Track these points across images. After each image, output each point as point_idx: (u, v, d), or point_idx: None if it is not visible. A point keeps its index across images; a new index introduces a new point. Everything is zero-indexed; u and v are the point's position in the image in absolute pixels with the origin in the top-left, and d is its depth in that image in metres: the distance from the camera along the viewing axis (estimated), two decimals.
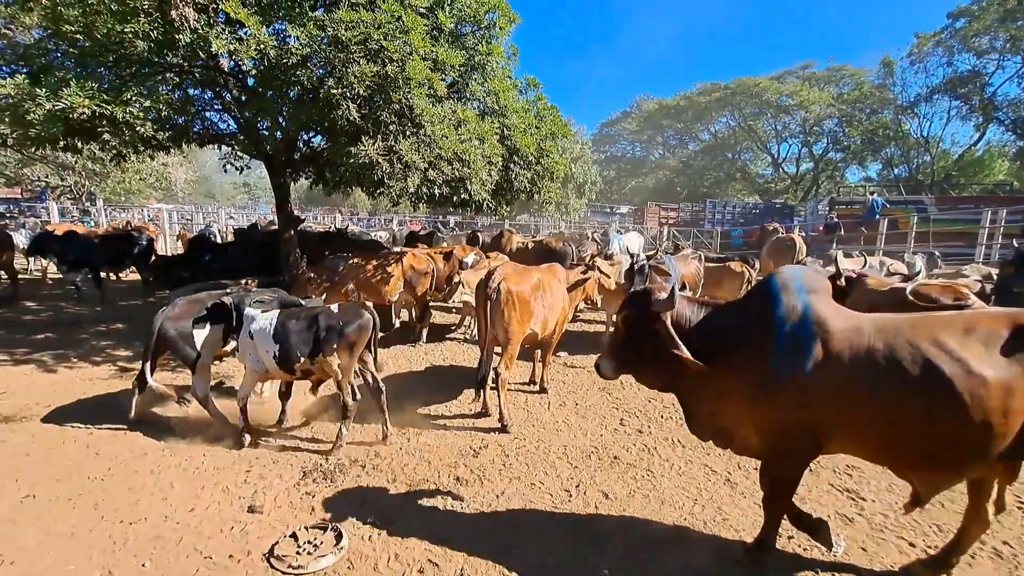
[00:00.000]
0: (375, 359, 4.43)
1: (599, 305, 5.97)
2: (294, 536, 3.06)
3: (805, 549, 2.92)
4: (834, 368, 2.38)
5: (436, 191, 6.41)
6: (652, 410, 5.04)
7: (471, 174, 6.27)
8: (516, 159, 7.37)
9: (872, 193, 18.93)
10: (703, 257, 8.70)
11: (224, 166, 8.54)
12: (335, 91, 5.54)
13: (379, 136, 5.86)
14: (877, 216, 15.00)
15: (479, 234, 11.69)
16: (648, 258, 6.42)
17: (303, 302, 4.63)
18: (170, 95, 6.37)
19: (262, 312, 4.25)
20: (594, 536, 3.07)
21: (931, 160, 29.01)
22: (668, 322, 2.67)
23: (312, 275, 7.72)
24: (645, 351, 2.77)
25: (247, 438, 4.24)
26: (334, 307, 4.23)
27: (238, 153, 8.13)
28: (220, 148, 8.26)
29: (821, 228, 16.83)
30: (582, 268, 5.74)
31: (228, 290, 5.22)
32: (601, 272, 6.07)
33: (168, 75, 6.63)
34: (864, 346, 2.37)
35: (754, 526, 3.14)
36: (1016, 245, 5.44)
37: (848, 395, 2.36)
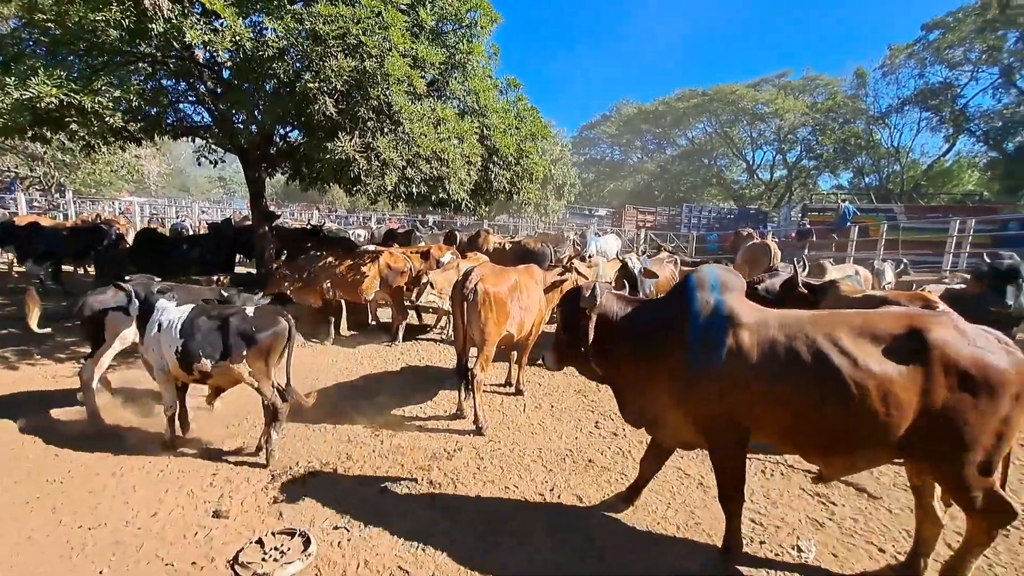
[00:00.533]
0: (288, 371, 4.06)
1: None
2: (260, 542, 2.98)
3: (777, 554, 2.96)
4: (743, 361, 2.56)
5: (414, 190, 6.34)
6: None
7: (450, 173, 6.22)
8: (495, 159, 7.35)
9: (844, 201, 19.43)
10: (679, 261, 8.80)
11: (198, 159, 8.32)
12: (312, 85, 5.43)
13: (356, 132, 5.77)
14: (848, 223, 15.39)
15: (457, 233, 11.62)
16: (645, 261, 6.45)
17: (235, 300, 4.44)
18: (142, 85, 6.18)
19: (176, 305, 4.03)
20: (568, 540, 3.05)
21: (901, 170, 29.95)
22: (592, 318, 2.92)
23: (287, 272, 7.58)
24: (581, 344, 2.98)
25: (169, 447, 4.04)
26: (250, 310, 3.94)
27: (212, 146, 7.93)
28: (194, 141, 8.05)
29: (794, 234, 17.21)
30: (559, 270, 5.73)
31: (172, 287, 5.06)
32: (579, 274, 6.07)
33: (141, 65, 6.42)
34: (769, 339, 2.55)
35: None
36: (986, 258, 5.36)
37: (756, 385, 2.54)
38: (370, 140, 5.72)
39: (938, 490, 2.63)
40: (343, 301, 7.85)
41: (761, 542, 3.07)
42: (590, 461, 4.05)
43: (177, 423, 4.18)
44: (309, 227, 11.31)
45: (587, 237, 12.79)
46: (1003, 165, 24.49)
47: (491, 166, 7.41)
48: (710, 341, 2.63)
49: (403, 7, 6.03)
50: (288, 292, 7.58)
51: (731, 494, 2.81)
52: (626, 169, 44.77)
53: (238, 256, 13.43)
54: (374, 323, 8.52)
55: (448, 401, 5.20)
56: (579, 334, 2.99)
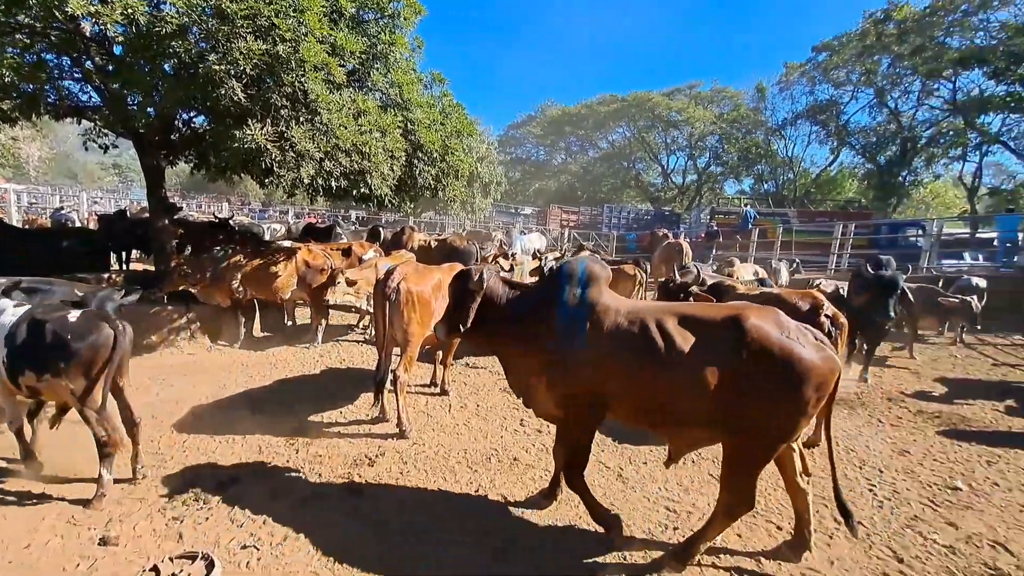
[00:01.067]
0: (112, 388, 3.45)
1: None
2: (155, 570, 2.68)
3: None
4: (598, 344, 2.84)
5: (333, 184, 6.06)
6: None
7: (371, 167, 6.00)
8: (420, 155, 7.19)
9: (746, 205, 21.08)
10: (600, 259, 9.08)
11: (85, 143, 7.42)
12: (218, 67, 5.02)
13: (269, 120, 5.41)
14: (750, 226, 16.70)
15: (381, 230, 11.25)
16: (556, 260, 6.62)
17: (89, 300, 3.80)
18: (18, 59, 5.38)
19: (14, 305, 3.45)
20: (492, 542, 3.03)
21: (794, 177, 32.96)
22: (476, 299, 3.18)
23: (190, 268, 6.92)
24: (464, 321, 3.22)
25: (29, 470, 3.53)
26: (73, 315, 3.32)
27: (102, 129, 7.10)
28: (80, 123, 7.16)
29: (703, 235, 18.40)
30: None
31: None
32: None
33: (17, 37, 5.59)
34: (619, 325, 2.84)
35: (644, 519, 3.30)
36: (869, 269, 5.97)
37: (608, 366, 2.82)
38: (284, 129, 5.38)
39: (799, 464, 2.92)
40: (256, 301, 7.34)
41: (675, 528, 3.22)
42: (515, 459, 4.06)
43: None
44: (216, 220, 10.45)
45: (513, 236, 12.89)
46: (876, 176, 27.69)
47: (416, 162, 7.24)
48: (573, 326, 2.90)
49: None
50: (192, 290, 6.98)
51: (575, 465, 3.07)
52: (551, 169, 45.67)
53: (137, 252, 12.24)
54: (291, 324, 8.06)
55: (370, 404, 5.00)
56: (464, 312, 3.21)
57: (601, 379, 2.85)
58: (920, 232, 15.07)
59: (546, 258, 6.79)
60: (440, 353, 5.48)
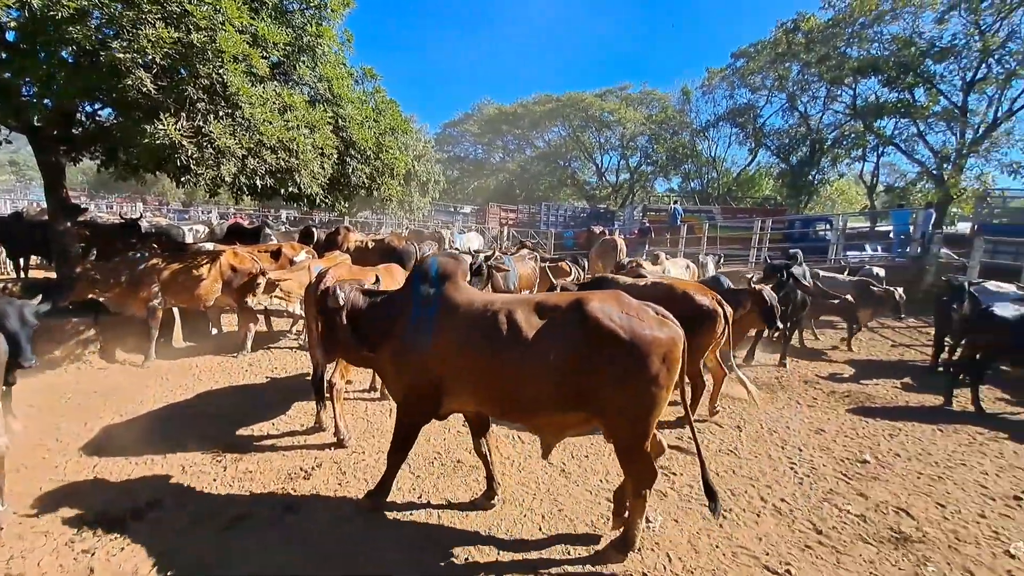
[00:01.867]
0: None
1: None
2: None
3: None
4: (451, 336, 2.94)
5: (259, 182, 5.72)
6: None
7: (300, 165, 5.73)
8: (353, 152, 6.95)
9: (674, 203, 22.03)
10: (539, 257, 9.18)
11: None
12: (122, 56, 4.61)
13: (183, 114, 5.02)
14: (679, 222, 17.48)
15: (314, 230, 10.78)
16: (487, 258, 6.61)
17: None
18: None
19: None
20: (437, 551, 2.98)
21: (717, 176, 34.86)
22: (343, 316, 3.20)
23: (98, 276, 6.28)
24: (339, 339, 3.24)
25: None
26: None
27: None
28: None
29: (636, 232, 19.07)
30: None
31: None
32: (499, 267, 6.02)
33: None
34: (471, 317, 2.94)
35: (587, 513, 3.36)
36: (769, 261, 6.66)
37: (459, 356, 2.92)
38: (201, 124, 5.01)
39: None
40: (176, 309, 6.81)
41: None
42: (459, 462, 4.01)
43: None
44: (124, 221, 9.60)
45: (453, 235, 12.79)
46: (789, 175, 29.80)
47: (348, 159, 6.99)
48: (424, 320, 3.02)
49: None
50: (101, 299, 6.35)
51: (398, 449, 3.27)
52: (489, 167, 45.66)
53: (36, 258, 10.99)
54: (216, 332, 7.55)
55: (305, 414, 4.79)
56: (336, 330, 3.22)
57: (453, 370, 2.94)
58: (828, 226, 16.42)
59: (477, 257, 6.77)
60: None
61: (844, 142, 27.26)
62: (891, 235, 14.85)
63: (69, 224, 7.07)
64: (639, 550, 2.97)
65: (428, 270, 3.14)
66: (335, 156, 6.55)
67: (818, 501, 3.61)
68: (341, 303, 3.19)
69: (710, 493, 2.86)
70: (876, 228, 17.63)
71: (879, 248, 15.09)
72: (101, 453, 3.97)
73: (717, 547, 3.05)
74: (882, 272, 9.48)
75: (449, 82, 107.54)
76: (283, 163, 5.62)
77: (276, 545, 2.96)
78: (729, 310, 4.73)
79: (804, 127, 28.84)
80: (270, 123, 5.36)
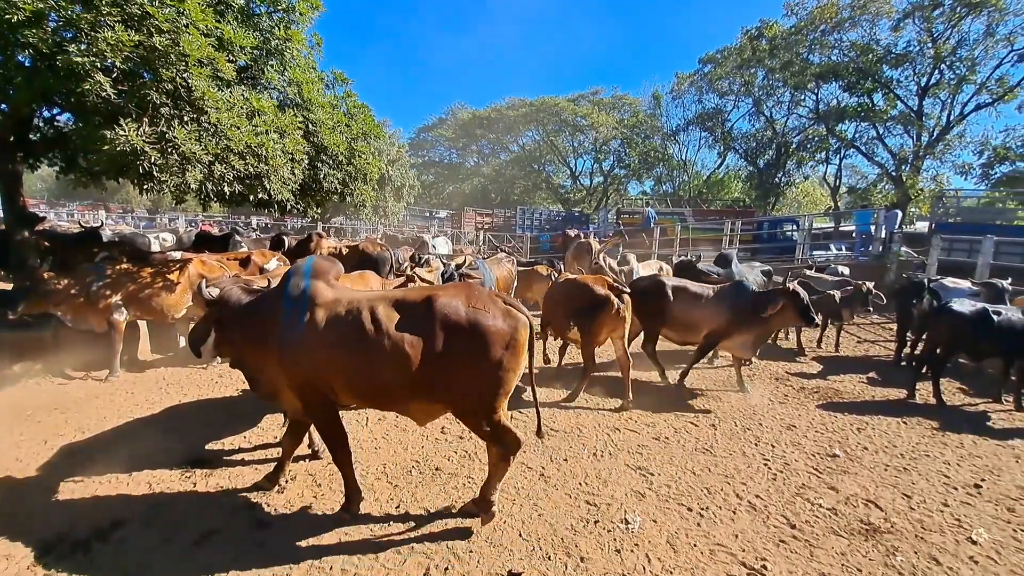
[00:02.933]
0: None
1: None
2: None
3: (609, 530, 3.22)
4: (317, 333, 3.05)
5: (227, 188, 5.58)
6: None
7: (269, 170, 5.62)
8: (324, 158, 6.85)
9: (647, 205, 22.35)
10: (516, 260, 9.20)
11: None
12: (80, 59, 4.44)
13: (146, 119, 4.86)
14: (652, 225, 17.75)
15: (285, 238, 10.57)
16: (458, 266, 6.65)
17: None
18: None
19: None
20: (414, 560, 2.94)
21: (688, 179, 35.59)
22: (213, 314, 3.38)
23: (57, 287, 6.01)
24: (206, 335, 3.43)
25: None
26: None
27: None
28: None
29: (611, 234, 19.27)
30: (402, 279, 5.55)
31: None
32: (421, 279, 5.95)
33: None
34: (337, 314, 3.07)
35: (566, 516, 3.37)
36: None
37: (327, 352, 3.04)
38: (164, 129, 4.86)
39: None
40: (140, 321, 6.57)
41: (595, 521, 3.31)
42: (437, 469, 3.97)
43: None
44: (84, 230, 9.25)
45: (426, 240, 12.73)
46: (757, 177, 30.62)
47: (320, 165, 6.88)
48: (294, 318, 3.12)
49: None
50: (58, 312, 6.08)
51: (336, 449, 3.31)
52: (463, 172, 45.60)
53: None
54: (184, 344, 7.32)
55: (277, 426, 4.67)
56: (205, 328, 3.42)
57: (323, 365, 3.06)
58: (795, 227, 16.90)
59: (449, 264, 6.76)
60: None
61: (808, 145, 28.18)
62: (854, 235, 15.36)
63: (27, 234, 6.77)
64: (618, 551, 2.98)
65: (301, 270, 3.28)
66: (306, 161, 6.44)
67: (791, 496, 3.69)
68: (213, 299, 3.38)
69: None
70: (840, 228, 18.21)
71: (843, 247, 15.59)
72: (63, 472, 3.78)
73: (695, 545, 3.09)
74: (847, 271, 9.79)
75: (422, 87, 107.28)
76: (252, 169, 5.50)
77: (247, 561, 2.87)
78: (627, 299, 5.25)
79: (770, 131, 29.67)
80: (238, 128, 5.24)
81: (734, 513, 3.45)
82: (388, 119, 36.19)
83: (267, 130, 5.60)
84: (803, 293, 5.44)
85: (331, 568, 2.84)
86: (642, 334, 6.35)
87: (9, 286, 7.81)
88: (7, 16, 4.38)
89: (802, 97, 27.15)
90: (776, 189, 29.76)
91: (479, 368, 2.93)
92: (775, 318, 5.53)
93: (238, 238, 11.34)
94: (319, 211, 8.54)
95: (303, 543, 3.04)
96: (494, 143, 43.29)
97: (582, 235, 14.99)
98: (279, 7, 6.30)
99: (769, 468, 4.11)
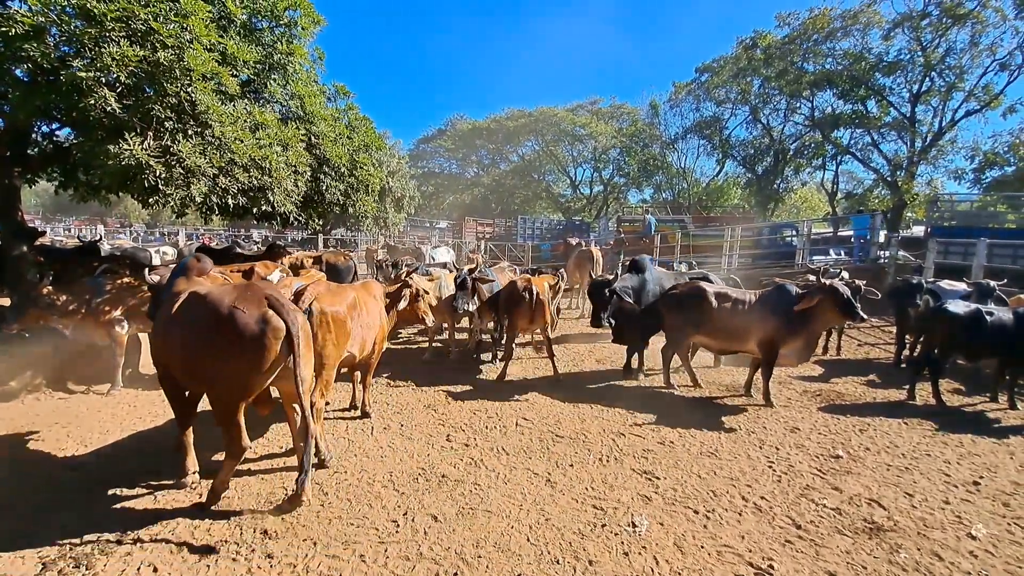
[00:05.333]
0: None
1: (427, 323, 5.88)
2: None
3: (617, 534, 3.22)
4: (166, 324, 3.38)
5: (231, 201, 5.63)
6: (477, 422, 5.12)
7: (273, 183, 5.67)
8: (327, 169, 6.92)
9: (647, 213, 22.45)
10: (517, 270, 9.24)
11: None
12: (84, 74, 4.50)
13: (150, 134, 4.92)
14: (653, 232, 17.83)
15: (282, 248, 10.60)
16: (471, 271, 6.72)
17: None
18: None
19: None
20: (423, 566, 2.94)
21: (688, 187, 35.79)
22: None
23: (57, 301, 6.04)
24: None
25: None
26: None
27: None
28: None
29: (612, 242, 19.35)
30: (399, 285, 5.57)
31: None
32: (420, 288, 5.98)
33: None
34: (165, 307, 3.45)
35: (573, 520, 3.37)
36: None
37: (157, 340, 3.52)
38: (169, 143, 4.92)
39: (298, 423, 3.57)
40: (142, 334, 6.58)
41: (603, 525, 3.32)
42: (443, 476, 3.98)
43: None
44: (82, 244, 9.29)
45: (426, 251, 12.82)
46: (756, 184, 30.80)
47: (322, 177, 6.95)
48: (159, 310, 3.61)
49: None
50: (59, 326, 6.09)
51: (179, 426, 3.80)
52: (464, 182, 45.84)
53: None
54: None
55: (284, 436, 4.68)
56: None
57: (165, 352, 3.41)
58: (794, 233, 16.98)
59: (461, 270, 6.84)
60: (359, 374, 5.26)
61: (805, 152, 28.40)
62: (852, 239, 15.44)
63: (25, 248, 6.81)
64: (626, 554, 2.99)
65: (178, 267, 3.82)
66: (308, 173, 6.51)
67: (796, 497, 3.70)
68: (152, 284, 4.16)
69: (302, 467, 3.20)
70: (839, 233, 18.30)
71: (842, 252, 15.66)
72: (65, 488, 3.79)
73: (702, 547, 3.09)
74: (846, 274, 9.83)
75: (421, 99, 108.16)
76: (255, 181, 5.56)
77: (259, 572, 2.87)
78: (538, 292, 6.07)
79: (767, 138, 29.91)
80: (241, 141, 5.30)
81: (740, 515, 3.46)
82: (388, 131, 36.47)
83: (270, 143, 5.67)
84: (842, 288, 5.29)
85: (336, 573, 2.84)
86: (664, 337, 6.34)
87: (7, 301, 7.86)
88: (4, 30, 4.43)
89: (798, 104, 27.43)
90: (775, 195, 29.94)
91: (222, 364, 3.09)
92: (820, 318, 5.42)
93: (239, 250, 11.39)
94: (321, 223, 8.60)
95: (312, 553, 3.05)
96: (494, 153, 43.58)
97: (583, 243, 15.08)
98: (281, 22, 6.41)
99: (774, 470, 4.12)
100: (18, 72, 5.11)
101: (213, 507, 3.45)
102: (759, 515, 3.46)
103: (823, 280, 5.51)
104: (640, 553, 3.03)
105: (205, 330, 3.08)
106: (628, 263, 7.07)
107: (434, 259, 14.62)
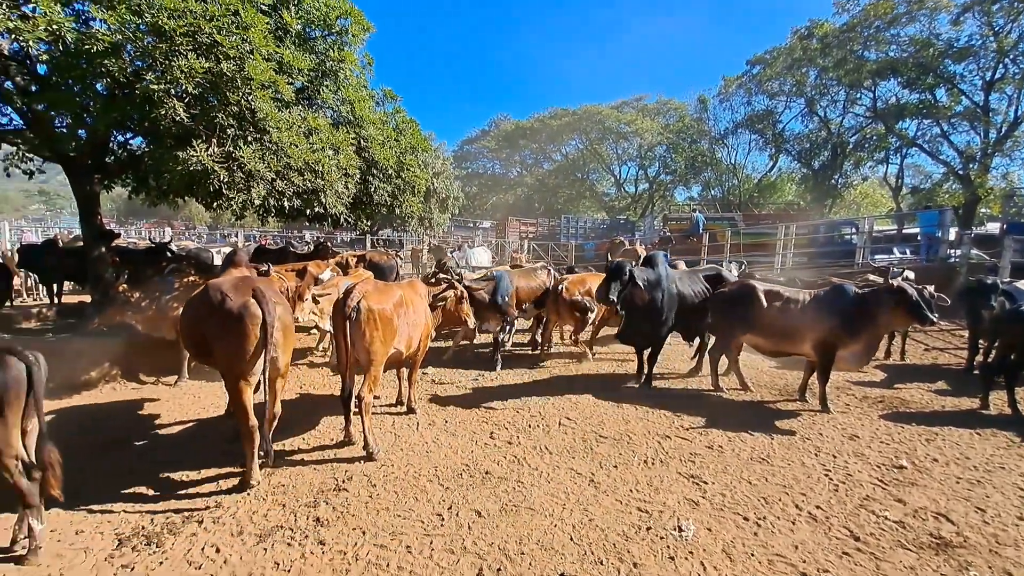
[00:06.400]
0: (40, 427, 3.04)
1: (469, 323, 5.95)
2: None
3: (662, 537, 3.17)
4: None
5: (286, 203, 5.90)
6: (521, 420, 5.15)
7: (325, 186, 5.90)
8: (375, 172, 7.13)
9: (695, 211, 21.87)
10: (551, 271, 9.02)
11: (7, 169, 6.93)
12: (156, 87, 4.83)
13: (214, 140, 5.23)
14: (701, 230, 17.34)
15: (329, 248, 10.98)
16: (438, 268, 7.03)
17: None
18: None
19: None
20: (467, 560, 2.99)
21: (738, 183, 34.52)
22: None
23: (131, 298, 6.53)
24: None
25: None
26: None
27: (26, 154, 6.67)
28: (0, 147, 6.71)
29: (657, 241, 18.98)
30: (444, 284, 5.68)
31: None
32: (470, 287, 6.08)
33: None
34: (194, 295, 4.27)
35: (617, 522, 3.34)
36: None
37: None
38: (231, 149, 5.21)
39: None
40: None
41: (648, 528, 3.27)
42: (487, 473, 4.03)
43: None
44: (153, 246, 9.95)
45: (465, 251, 13.01)
46: (812, 179, 29.39)
47: (371, 179, 7.17)
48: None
49: (264, 8, 5.62)
50: (133, 322, 6.58)
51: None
52: (507, 182, 46.09)
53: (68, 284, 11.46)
54: None
55: (334, 429, 4.87)
56: None
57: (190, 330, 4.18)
58: (854, 230, 16.08)
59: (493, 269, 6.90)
60: (405, 371, 5.39)
61: (866, 145, 26.86)
62: (919, 237, 14.48)
63: (103, 249, 7.37)
64: (672, 558, 2.94)
65: (225, 259, 4.82)
66: (358, 176, 6.73)
67: (855, 508, 3.52)
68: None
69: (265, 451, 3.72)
70: (903, 231, 17.19)
71: (907, 251, 14.72)
72: (136, 471, 4.08)
73: (752, 555, 2.99)
74: (912, 275, 9.25)
75: (464, 101, 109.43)
76: (309, 184, 5.80)
77: (310, 557, 3.01)
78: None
79: (824, 131, 28.49)
80: (296, 146, 5.55)
81: (793, 524, 3.32)
82: (433, 132, 37.11)
83: (323, 147, 5.90)
84: (911, 289, 4.98)
85: (388, 565, 2.93)
86: (713, 338, 6.12)
87: (86, 298, 8.52)
88: (87, 47, 4.81)
89: (858, 95, 26.00)
90: (833, 191, 28.47)
91: (220, 343, 3.70)
92: (884, 320, 5.12)
93: (293, 250, 11.90)
94: (368, 223, 8.88)
95: (361, 541, 3.16)
96: (537, 153, 43.60)
97: (627, 242, 14.86)
98: (333, 30, 6.66)
99: (830, 479, 3.94)
100: (98, 87, 5.54)
101: (248, 490, 3.74)
102: (814, 524, 3.32)
103: (891, 280, 5.19)
104: (687, 558, 2.96)
105: (206, 313, 3.76)
106: (643, 259, 6.75)
107: (474, 259, 14.82)
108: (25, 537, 3.02)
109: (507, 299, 7.00)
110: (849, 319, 5.17)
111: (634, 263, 10.60)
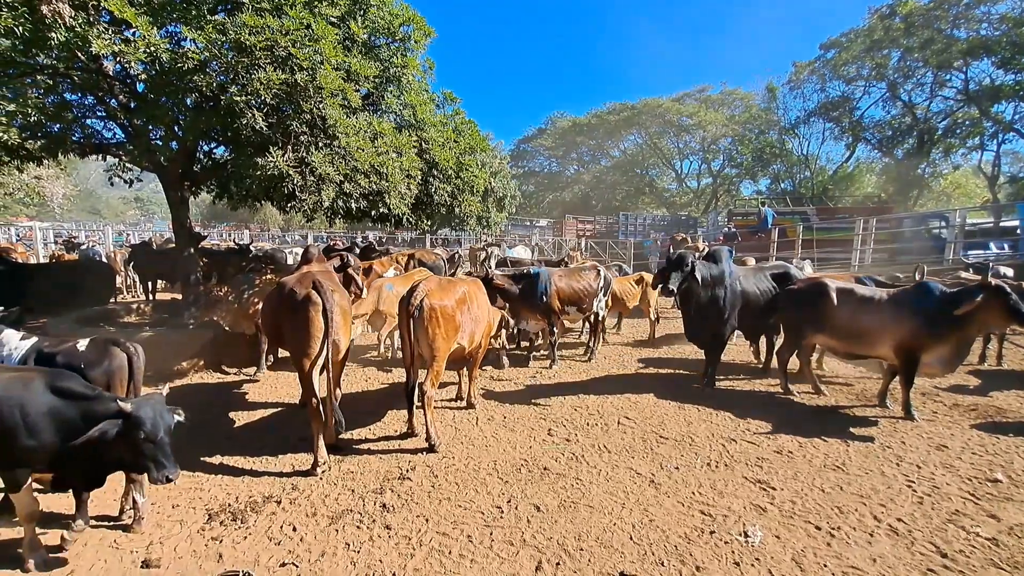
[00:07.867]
0: None
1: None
2: None
3: (727, 542, 3.08)
4: None
5: (353, 205, 6.20)
6: (579, 418, 5.14)
7: (389, 187, 6.13)
8: (435, 173, 7.32)
9: (764, 205, 20.82)
10: (600, 269, 8.74)
11: (110, 179, 7.71)
12: (238, 99, 5.20)
13: (289, 147, 5.58)
14: (770, 226, 16.48)
15: (392, 249, 11.42)
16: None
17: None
18: (41, 99, 5.68)
19: (20, 337, 3.49)
20: (526, 552, 3.04)
21: (811, 175, 32.53)
22: None
23: (218, 295, 7.13)
24: None
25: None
26: (81, 344, 3.38)
27: (126, 165, 7.39)
28: (105, 159, 7.46)
29: (721, 237, 18.24)
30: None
31: None
32: (498, 282, 6.20)
33: (39, 78, 5.88)
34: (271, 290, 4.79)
35: (678, 524, 3.28)
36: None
37: None
38: (304, 155, 5.54)
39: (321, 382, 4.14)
40: None
41: (711, 532, 3.19)
42: (545, 469, 4.06)
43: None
44: (236, 247, 10.72)
45: (503, 249, 13.26)
46: (894, 169, 27.24)
47: (431, 180, 7.38)
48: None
49: (333, 20, 5.91)
50: (217, 318, 7.14)
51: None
52: (564, 180, 45.86)
53: (161, 283, 12.59)
54: None
55: (398, 420, 5.07)
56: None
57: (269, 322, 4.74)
58: (943, 224, 14.74)
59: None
60: (466, 367, 5.52)
61: (958, 131, 24.60)
62: (1019, 231, 13.08)
63: (192, 251, 8.03)
64: (737, 564, 2.85)
65: (303, 257, 5.08)
66: (419, 177, 6.94)
67: (941, 522, 3.26)
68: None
69: None
70: (1001, 223, 15.55)
71: (1005, 246, 13.33)
72: (223, 453, 4.43)
73: (825, 566, 2.85)
74: (1010, 272, 8.38)
75: (521, 99, 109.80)
76: (375, 186, 6.06)
77: (377, 540, 3.16)
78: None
79: (909, 117, 26.35)
80: (363, 150, 5.81)
81: (871, 536, 3.12)
82: (491, 132, 37.56)
83: (387, 150, 6.14)
84: (1008, 288, 4.56)
85: (450, 552, 3.03)
86: (781, 339, 5.88)
87: (177, 296, 9.30)
88: (179, 65, 5.26)
89: (947, 77, 23.85)
90: (919, 181, 26.27)
91: (291, 333, 4.16)
92: (976, 322, 4.69)
93: (357, 250, 12.46)
94: (428, 223, 9.14)
95: (424, 528, 3.29)
96: (594, 149, 43.08)
97: (688, 239, 14.41)
98: (397, 37, 6.91)
99: (914, 490, 3.66)
100: (188, 101, 6.05)
101: (320, 474, 4.00)
102: (895, 538, 3.11)
103: (988, 278, 4.73)
104: (753, 565, 2.86)
105: (278, 304, 4.27)
106: (706, 254, 6.41)
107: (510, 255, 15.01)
108: (131, 508, 3.38)
109: (546, 299, 6.78)
110: (934, 320, 4.76)
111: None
